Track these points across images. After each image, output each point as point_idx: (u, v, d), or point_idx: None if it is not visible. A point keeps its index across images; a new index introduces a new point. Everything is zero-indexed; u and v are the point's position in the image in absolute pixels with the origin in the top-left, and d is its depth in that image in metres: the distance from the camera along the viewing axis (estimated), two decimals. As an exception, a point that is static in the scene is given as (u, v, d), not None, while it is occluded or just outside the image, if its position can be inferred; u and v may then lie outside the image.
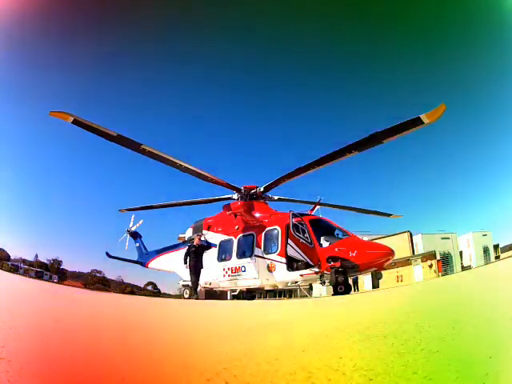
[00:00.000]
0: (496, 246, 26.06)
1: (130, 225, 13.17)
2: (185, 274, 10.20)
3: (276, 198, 9.64)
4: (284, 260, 7.71)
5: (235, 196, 9.21)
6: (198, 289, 10.24)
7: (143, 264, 12.33)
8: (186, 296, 9.96)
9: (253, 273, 8.26)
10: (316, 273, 7.22)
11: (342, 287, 6.55)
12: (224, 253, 9.13)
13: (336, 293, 6.60)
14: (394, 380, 0.72)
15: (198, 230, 10.06)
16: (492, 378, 0.69)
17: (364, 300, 4.21)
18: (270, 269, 7.96)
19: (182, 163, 7.99)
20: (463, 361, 0.80)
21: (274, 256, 7.96)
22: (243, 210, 8.65)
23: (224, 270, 8.91)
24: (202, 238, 9.32)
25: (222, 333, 1.50)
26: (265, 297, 14.07)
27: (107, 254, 13.05)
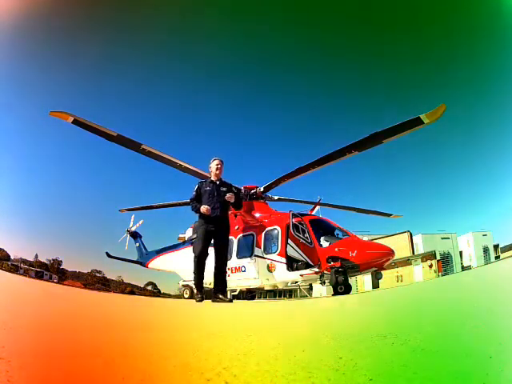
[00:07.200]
0: (496, 246, 26.10)
1: (130, 225, 13.22)
2: (185, 274, 10.21)
3: (276, 198, 9.64)
4: (284, 260, 7.71)
5: (235, 196, 9.20)
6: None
7: (143, 264, 12.34)
8: (186, 296, 9.96)
9: (253, 273, 8.26)
10: (316, 273, 7.22)
11: (342, 287, 6.55)
12: None
13: (336, 293, 6.61)
14: (393, 380, 0.72)
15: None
16: (492, 378, 0.69)
17: (364, 300, 4.20)
18: (269, 269, 7.96)
19: (182, 163, 7.99)
20: (463, 361, 0.80)
21: (273, 256, 7.96)
22: (243, 210, 8.66)
23: None
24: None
25: (222, 333, 1.50)
26: (265, 297, 14.08)
27: (107, 254, 13.08)
